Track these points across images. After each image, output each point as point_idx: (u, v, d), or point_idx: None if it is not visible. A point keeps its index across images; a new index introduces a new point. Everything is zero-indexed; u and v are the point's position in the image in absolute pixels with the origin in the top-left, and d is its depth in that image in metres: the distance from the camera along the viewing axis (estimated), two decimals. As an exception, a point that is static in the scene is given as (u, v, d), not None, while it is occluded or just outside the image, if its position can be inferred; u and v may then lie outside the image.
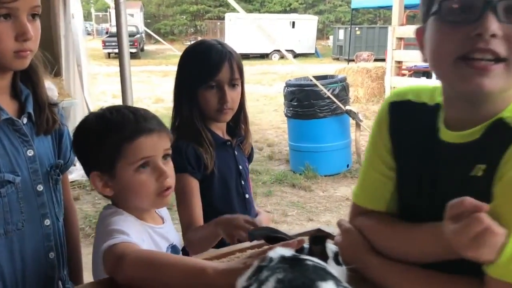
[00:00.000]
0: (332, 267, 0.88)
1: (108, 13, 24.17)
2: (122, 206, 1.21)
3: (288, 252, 0.76)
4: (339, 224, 1.09)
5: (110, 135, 1.16)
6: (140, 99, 11.57)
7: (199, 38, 29.09)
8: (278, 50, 20.68)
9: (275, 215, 4.44)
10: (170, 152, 1.24)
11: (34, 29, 1.12)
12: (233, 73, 1.50)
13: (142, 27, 26.02)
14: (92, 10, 34.28)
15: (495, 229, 0.74)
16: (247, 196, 1.62)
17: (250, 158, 1.75)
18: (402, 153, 1.02)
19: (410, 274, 0.91)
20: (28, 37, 1.09)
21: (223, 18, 26.38)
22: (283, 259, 0.73)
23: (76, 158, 1.33)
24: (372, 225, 1.03)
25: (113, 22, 24.40)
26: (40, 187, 1.24)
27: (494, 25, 0.77)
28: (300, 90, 5.20)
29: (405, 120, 1.02)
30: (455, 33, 0.81)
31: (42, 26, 3.82)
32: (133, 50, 22.81)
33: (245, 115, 1.64)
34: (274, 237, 0.96)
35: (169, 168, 1.22)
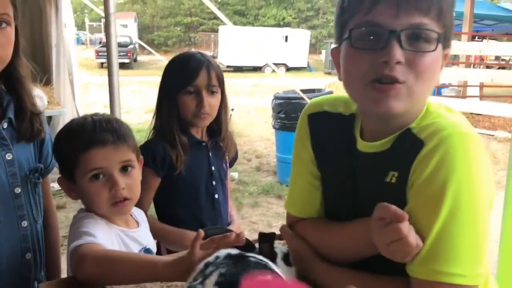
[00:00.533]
0: (280, 266, 0.95)
1: (102, 23, 24.32)
2: (91, 210, 1.26)
3: (234, 251, 0.82)
4: (282, 231, 1.14)
5: (68, 143, 1.23)
6: (132, 109, 11.59)
7: (193, 50, 29.26)
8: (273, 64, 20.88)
9: (260, 226, 4.49)
10: (132, 163, 1.27)
11: (1, 36, 1.13)
12: (210, 80, 1.59)
13: (135, 38, 26.11)
14: (86, 20, 34.36)
15: (410, 241, 0.81)
16: (216, 196, 1.69)
17: (232, 162, 1.84)
18: (324, 163, 1.09)
19: (352, 278, 0.96)
20: None
21: (217, 31, 26.57)
22: (228, 256, 0.79)
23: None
24: (310, 230, 1.08)
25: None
26: (18, 190, 1.28)
27: (398, 53, 0.84)
28: (288, 103, 5.29)
29: (324, 131, 1.08)
30: (364, 59, 0.88)
31: (34, 35, 3.83)
32: (126, 61, 22.88)
33: (225, 120, 1.72)
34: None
35: (128, 179, 1.24)
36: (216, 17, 35.16)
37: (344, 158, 1.03)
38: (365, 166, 0.99)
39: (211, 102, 1.61)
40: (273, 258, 0.97)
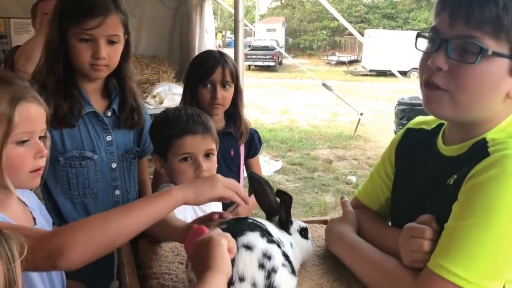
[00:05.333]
0: (294, 237, 1.11)
1: (253, 27, 25.47)
2: (175, 183, 1.51)
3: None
4: (343, 203, 1.29)
5: (165, 130, 1.48)
6: (268, 110, 12.11)
7: (337, 54, 29.14)
8: (418, 68, 19.92)
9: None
10: (213, 152, 1.50)
11: (111, 51, 1.49)
12: (224, 76, 1.86)
13: (282, 41, 26.94)
14: (239, 24, 36.48)
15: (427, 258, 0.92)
16: None
17: (251, 149, 2.06)
18: (404, 166, 1.20)
19: (354, 253, 1.10)
20: (99, 56, 1.47)
21: (363, 35, 26.18)
22: (232, 219, 0.98)
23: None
24: (365, 218, 1.24)
25: (257, 36, 25.61)
26: (114, 165, 1.64)
27: (440, 61, 0.93)
28: (411, 109, 5.20)
29: (413, 142, 1.19)
30: (422, 60, 1.00)
31: (182, 40, 4.66)
32: (272, 63, 23.67)
33: (238, 111, 1.96)
34: (263, 188, 1.16)
35: (209, 164, 1.48)
36: (363, 21, 34.60)
37: (423, 161, 1.12)
38: (439, 168, 1.05)
39: (224, 95, 1.87)
40: (286, 224, 1.13)
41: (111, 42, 1.50)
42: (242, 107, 1.99)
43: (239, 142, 2.00)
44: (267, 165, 6.56)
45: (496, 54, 0.90)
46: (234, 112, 1.97)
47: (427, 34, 0.99)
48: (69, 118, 1.51)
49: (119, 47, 1.53)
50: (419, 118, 1.25)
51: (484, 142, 0.96)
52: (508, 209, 0.85)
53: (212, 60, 1.90)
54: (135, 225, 0.99)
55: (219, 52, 1.98)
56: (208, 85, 1.87)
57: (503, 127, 0.98)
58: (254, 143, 2.08)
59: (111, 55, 1.50)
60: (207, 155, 1.49)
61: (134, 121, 1.66)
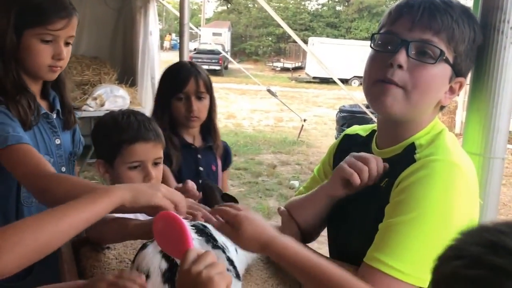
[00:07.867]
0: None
1: (199, 31, 25.07)
2: None
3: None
4: (282, 213, 1.29)
5: (114, 135, 1.41)
6: (214, 114, 12.13)
7: (281, 60, 29.58)
8: (359, 76, 20.62)
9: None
10: (161, 160, 1.46)
11: (67, 52, 1.47)
12: (198, 87, 1.81)
13: (228, 46, 26.86)
14: (185, 27, 36.16)
15: None
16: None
17: (226, 161, 2.03)
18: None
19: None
20: (61, 57, 1.44)
21: (307, 42, 26.74)
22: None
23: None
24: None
25: (202, 39, 25.53)
26: (63, 168, 1.58)
27: (402, 58, 0.98)
28: (351, 116, 5.37)
29: (349, 146, 1.24)
30: (376, 60, 1.04)
31: (125, 42, 4.59)
32: (217, 68, 23.62)
33: (213, 124, 1.92)
34: (214, 195, 1.18)
35: (157, 172, 1.44)
36: (307, 29, 35.35)
37: None
38: None
39: (200, 107, 1.82)
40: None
41: (67, 44, 1.47)
42: (216, 118, 1.94)
43: (216, 156, 1.96)
44: (212, 170, 6.53)
45: (446, 60, 0.99)
46: (209, 125, 1.91)
47: (382, 35, 1.05)
48: (34, 119, 1.45)
49: (70, 48, 1.51)
50: (355, 127, 1.33)
51: (412, 147, 1.04)
52: (435, 206, 0.92)
53: (184, 71, 1.83)
54: (73, 228, 0.95)
55: (190, 62, 1.92)
56: (182, 98, 1.81)
57: (428, 130, 1.06)
58: (228, 155, 2.04)
59: (67, 56, 1.48)
60: (156, 163, 1.44)
61: (72, 120, 1.63)
